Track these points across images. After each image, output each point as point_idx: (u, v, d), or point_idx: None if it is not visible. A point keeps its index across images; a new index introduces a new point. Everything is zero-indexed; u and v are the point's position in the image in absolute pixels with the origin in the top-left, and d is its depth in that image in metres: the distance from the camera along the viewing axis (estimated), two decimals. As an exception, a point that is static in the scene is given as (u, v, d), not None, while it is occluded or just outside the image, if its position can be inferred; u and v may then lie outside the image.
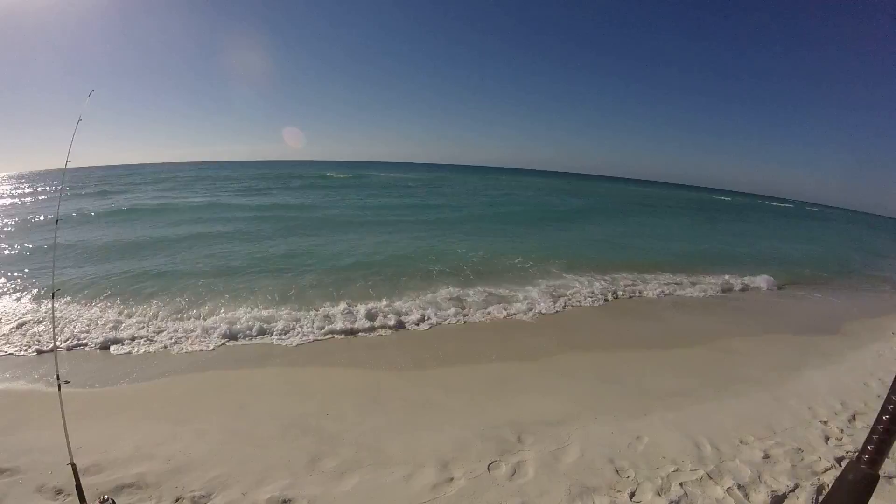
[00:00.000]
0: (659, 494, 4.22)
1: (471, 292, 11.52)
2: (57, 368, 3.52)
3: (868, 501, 0.97)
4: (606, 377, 7.11)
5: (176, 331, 8.64)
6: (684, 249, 21.09)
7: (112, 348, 7.92)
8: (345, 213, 26.10)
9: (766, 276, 15.16)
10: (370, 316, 9.42)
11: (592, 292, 12.20)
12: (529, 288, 12.19)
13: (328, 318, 9.35)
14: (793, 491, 4.35)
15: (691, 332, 9.84)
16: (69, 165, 4.09)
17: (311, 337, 8.58)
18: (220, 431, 5.31)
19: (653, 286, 13.27)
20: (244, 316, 9.26)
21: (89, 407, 5.90)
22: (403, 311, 9.91)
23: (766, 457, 4.93)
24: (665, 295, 12.70)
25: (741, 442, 5.22)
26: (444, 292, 11.44)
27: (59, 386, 3.35)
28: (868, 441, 1.03)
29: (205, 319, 9.23)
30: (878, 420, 1.05)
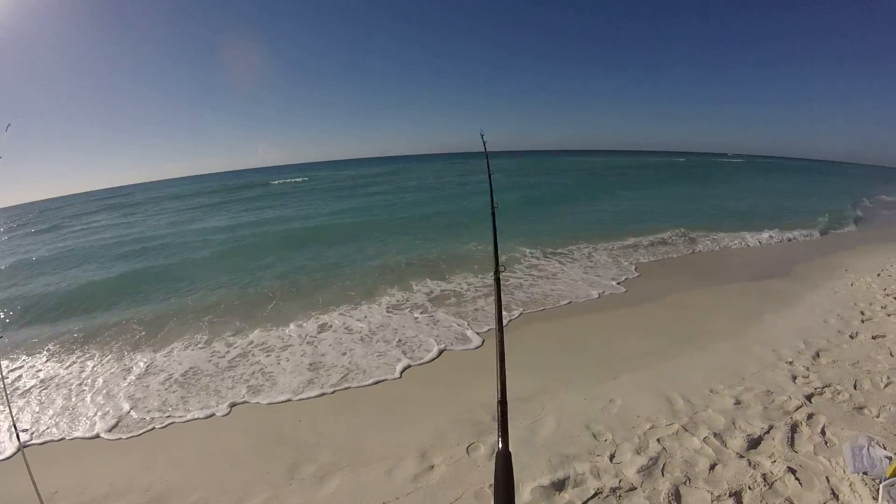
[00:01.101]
0: (638, 453, 4.28)
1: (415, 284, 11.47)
2: (13, 418, 3.44)
3: (511, 472, 1.22)
4: (570, 346, 7.21)
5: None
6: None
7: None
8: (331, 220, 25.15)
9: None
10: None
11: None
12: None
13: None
14: (767, 432, 4.45)
15: (648, 291, 10.02)
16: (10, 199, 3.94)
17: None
18: (193, 454, 5.22)
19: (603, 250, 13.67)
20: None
21: (56, 453, 5.72)
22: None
23: (738, 403, 5.05)
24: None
25: (711, 392, 5.34)
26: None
27: (17, 435, 3.26)
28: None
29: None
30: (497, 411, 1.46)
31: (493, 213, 3.36)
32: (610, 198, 28.81)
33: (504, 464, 1.24)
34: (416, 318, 9.06)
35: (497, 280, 2.42)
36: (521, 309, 9.07)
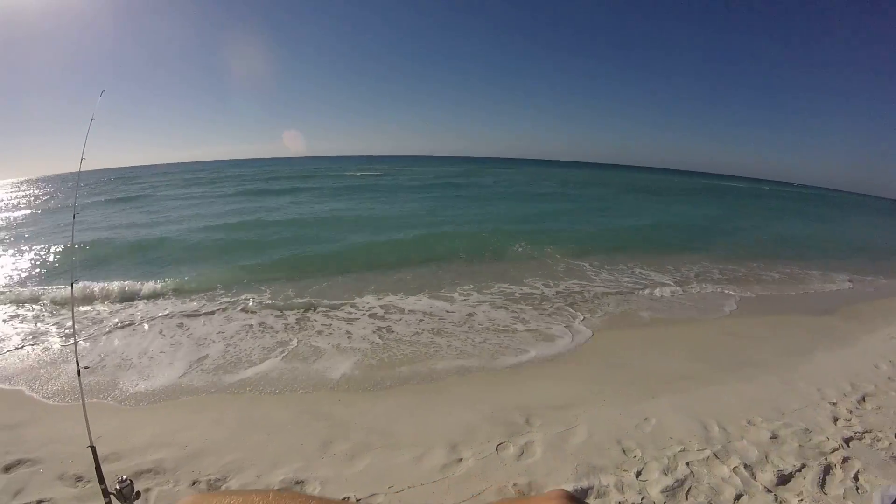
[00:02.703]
0: (665, 473, 4.35)
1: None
2: (77, 355, 3.67)
3: None
4: (613, 361, 7.28)
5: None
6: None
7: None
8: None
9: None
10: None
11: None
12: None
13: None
14: (799, 470, 4.45)
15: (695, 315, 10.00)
16: (84, 165, 4.17)
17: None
18: (235, 419, 5.55)
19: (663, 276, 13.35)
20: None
21: (108, 399, 6.13)
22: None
23: (774, 437, 5.05)
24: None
25: (749, 423, 5.34)
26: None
27: (78, 371, 3.48)
28: None
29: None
30: None
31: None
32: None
33: None
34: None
35: None
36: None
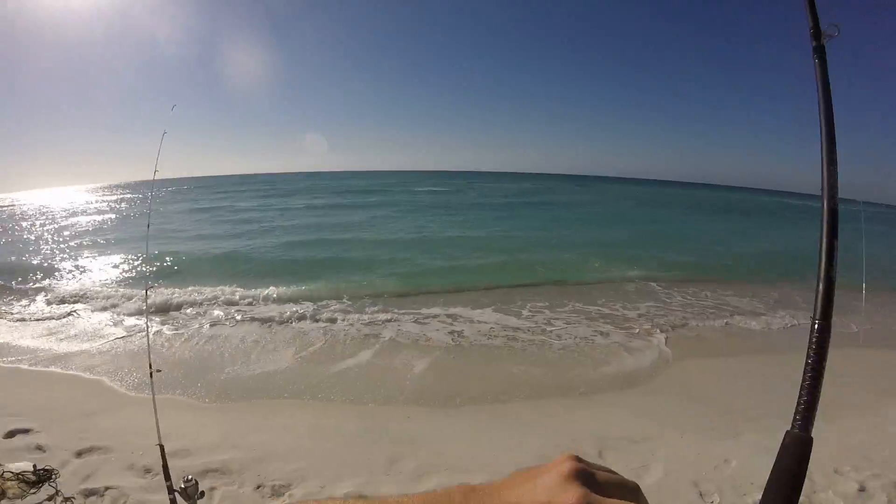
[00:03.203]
0: (743, 522, 4.14)
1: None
2: (149, 356, 3.71)
3: (807, 462, 1.05)
4: (694, 393, 7.04)
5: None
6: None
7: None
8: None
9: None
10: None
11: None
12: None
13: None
14: (886, 527, 4.19)
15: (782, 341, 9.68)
16: (157, 176, 4.32)
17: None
18: (304, 427, 5.66)
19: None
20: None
21: (179, 399, 6.39)
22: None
23: (862, 489, 4.77)
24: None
25: (836, 472, 5.06)
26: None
27: (150, 373, 3.55)
28: (798, 407, 1.15)
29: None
30: (802, 386, 1.17)
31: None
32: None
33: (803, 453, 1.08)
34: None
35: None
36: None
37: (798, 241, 24.25)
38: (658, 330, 9.89)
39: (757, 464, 5.08)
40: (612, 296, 12.57)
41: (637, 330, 9.85)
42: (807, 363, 1.19)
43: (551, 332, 9.39)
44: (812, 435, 1.03)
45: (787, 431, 1.11)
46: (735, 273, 15.85)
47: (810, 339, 1.19)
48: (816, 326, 1.46)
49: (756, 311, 11.79)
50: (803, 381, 1.18)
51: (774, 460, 1.06)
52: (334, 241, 20.33)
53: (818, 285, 1.72)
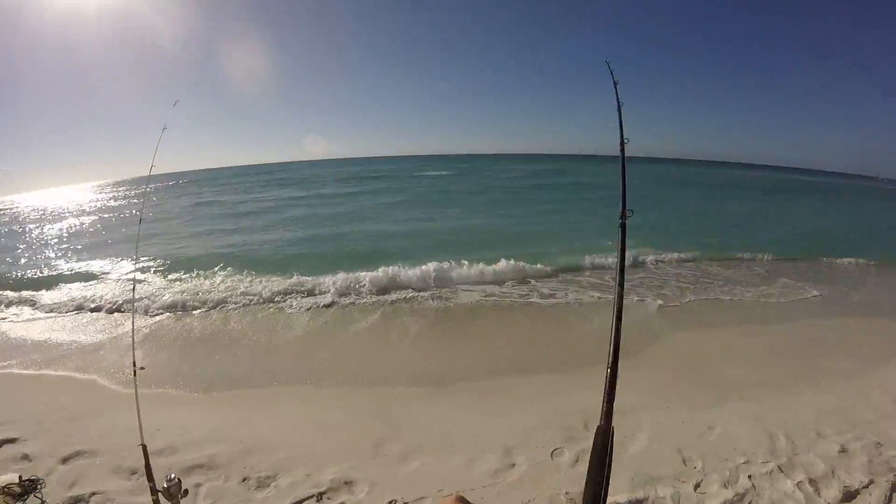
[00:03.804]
0: (725, 486, 4.25)
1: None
2: (133, 355, 3.75)
3: (610, 449, 1.30)
4: (684, 365, 7.19)
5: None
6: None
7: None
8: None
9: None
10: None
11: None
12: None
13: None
14: (866, 487, 4.29)
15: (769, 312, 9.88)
16: (153, 171, 4.35)
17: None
18: (290, 416, 5.73)
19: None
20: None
21: (166, 394, 6.39)
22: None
23: (843, 451, 4.86)
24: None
25: (818, 435, 5.16)
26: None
27: (134, 372, 3.57)
28: (602, 406, 1.41)
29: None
30: (604, 388, 1.48)
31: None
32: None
33: (604, 441, 1.33)
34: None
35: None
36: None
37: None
38: (649, 300, 10.17)
39: (740, 430, 5.19)
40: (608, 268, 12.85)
41: (638, 300, 10.08)
42: (606, 370, 1.50)
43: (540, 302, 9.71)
44: (613, 425, 1.32)
45: (598, 426, 1.36)
46: (726, 249, 15.94)
47: (609, 346, 1.56)
48: (613, 332, 1.76)
49: (748, 284, 12.06)
50: (605, 384, 1.49)
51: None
52: (328, 232, 20.10)
53: (616, 289, 1.96)
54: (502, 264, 12.09)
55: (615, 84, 2.90)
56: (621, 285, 2.13)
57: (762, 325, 9.14)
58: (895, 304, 10.97)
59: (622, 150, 2.56)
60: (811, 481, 4.30)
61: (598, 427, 1.34)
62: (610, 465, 1.25)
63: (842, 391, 6.34)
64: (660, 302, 10.20)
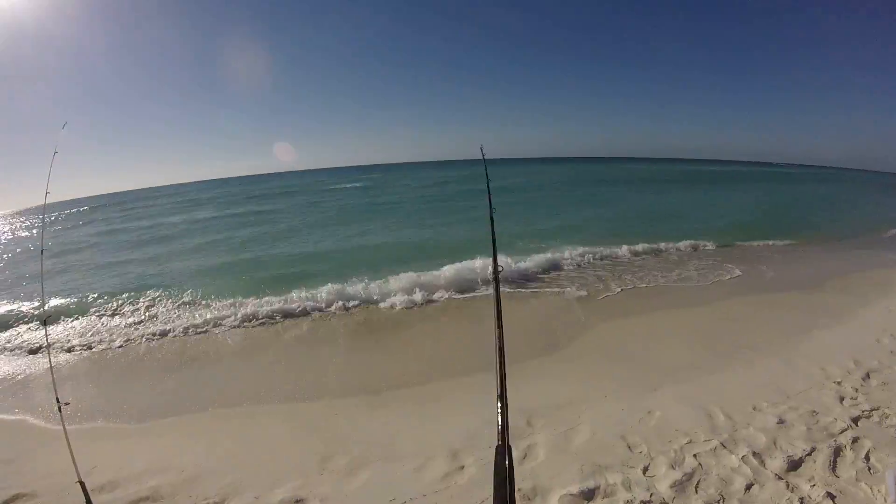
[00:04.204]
0: (673, 467, 4.30)
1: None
2: (56, 391, 3.57)
3: (508, 464, 1.27)
4: (613, 354, 7.28)
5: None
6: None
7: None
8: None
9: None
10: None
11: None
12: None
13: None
14: (809, 454, 4.41)
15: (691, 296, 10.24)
16: (49, 199, 4.15)
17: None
18: (230, 439, 5.53)
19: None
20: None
21: (99, 428, 6.07)
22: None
23: (781, 422, 5.01)
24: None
25: (754, 409, 5.31)
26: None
27: (59, 408, 3.40)
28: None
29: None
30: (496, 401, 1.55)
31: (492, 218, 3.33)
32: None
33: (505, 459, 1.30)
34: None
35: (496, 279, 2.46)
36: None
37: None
38: (570, 290, 10.43)
39: (679, 412, 5.29)
40: (543, 263, 13.08)
41: (559, 291, 10.20)
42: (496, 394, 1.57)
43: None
44: (510, 443, 1.30)
45: (496, 446, 1.33)
46: (650, 240, 16.32)
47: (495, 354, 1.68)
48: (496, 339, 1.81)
49: (667, 270, 12.46)
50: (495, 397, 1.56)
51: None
52: (248, 255, 19.69)
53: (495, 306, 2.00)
54: (407, 276, 11.88)
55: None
56: (496, 280, 2.33)
57: (686, 308, 9.45)
58: (796, 278, 11.61)
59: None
60: (755, 454, 4.40)
61: (497, 447, 1.33)
62: (513, 484, 1.25)
63: (770, 365, 6.56)
64: (583, 292, 10.46)
